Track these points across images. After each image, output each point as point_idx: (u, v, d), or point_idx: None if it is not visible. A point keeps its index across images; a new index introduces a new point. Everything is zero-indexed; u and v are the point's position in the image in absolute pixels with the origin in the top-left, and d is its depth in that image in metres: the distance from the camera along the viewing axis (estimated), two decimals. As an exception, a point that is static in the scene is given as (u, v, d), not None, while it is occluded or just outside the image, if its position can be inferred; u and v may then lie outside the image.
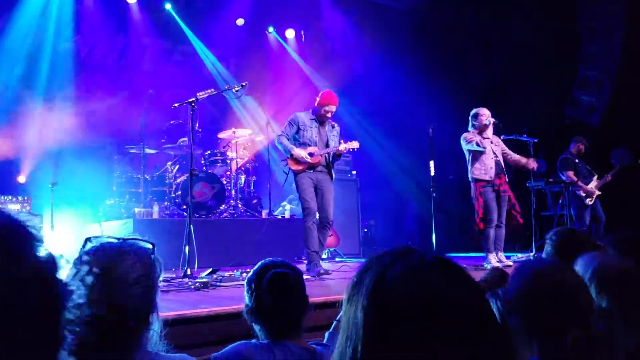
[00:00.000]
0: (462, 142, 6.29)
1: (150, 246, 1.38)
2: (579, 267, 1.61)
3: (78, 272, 1.25)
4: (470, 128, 6.30)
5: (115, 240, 1.35)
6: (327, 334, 2.13)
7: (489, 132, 6.19)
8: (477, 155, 6.21)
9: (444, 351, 0.70)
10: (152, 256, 1.36)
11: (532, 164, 6.29)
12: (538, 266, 1.44)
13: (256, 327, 1.81)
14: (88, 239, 1.34)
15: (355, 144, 5.80)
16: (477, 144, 6.10)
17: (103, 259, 1.28)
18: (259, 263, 1.88)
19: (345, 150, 5.78)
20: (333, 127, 5.84)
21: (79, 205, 7.36)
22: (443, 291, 0.74)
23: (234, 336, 3.01)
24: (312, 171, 5.57)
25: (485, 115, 6.17)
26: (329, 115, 5.68)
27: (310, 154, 5.51)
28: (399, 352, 0.71)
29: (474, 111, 6.29)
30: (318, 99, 5.66)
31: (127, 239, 1.36)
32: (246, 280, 1.85)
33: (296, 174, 5.55)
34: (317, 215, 5.55)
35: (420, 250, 0.82)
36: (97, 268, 1.25)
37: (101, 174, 7.66)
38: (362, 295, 0.77)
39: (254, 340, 1.76)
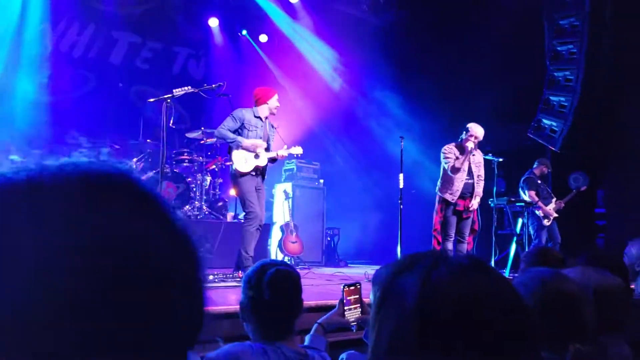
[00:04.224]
0: (441, 155, 6.33)
1: None
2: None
3: None
4: (459, 139, 6.31)
5: None
6: (307, 337, 2.15)
7: (476, 150, 6.22)
8: (448, 176, 6.23)
9: (499, 346, 0.72)
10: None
11: (474, 205, 6.32)
12: (544, 275, 1.42)
13: (249, 327, 1.81)
14: None
15: (299, 150, 5.73)
16: (452, 170, 6.10)
17: None
18: (258, 262, 1.88)
19: (286, 155, 5.69)
20: (273, 126, 5.70)
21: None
22: (490, 290, 0.76)
23: (207, 338, 3.00)
24: (254, 174, 5.37)
25: (475, 137, 6.14)
26: (275, 111, 5.55)
27: (256, 156, 5.35)
28: (455, 352, 0.71)
29: (468, 125, 6.28)
30: (257, 94, 5.50)
31: None
32: (244, 277, 1.84)
33: (240, 175, 5.30)
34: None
35: (452, 253, 0.84)
36: None
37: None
38: (407, 299, 0.76)
39: (247, 342, 1.76)
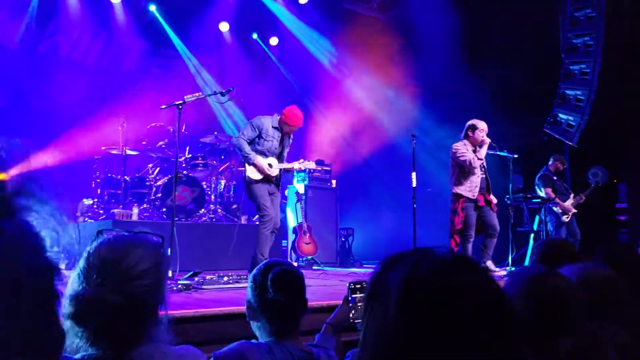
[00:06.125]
0: (452, 153, 6.26)
1: (160, 240, 1.39)
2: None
3: (89, 262, 1.25)
4: (462, 138, 6.29)
5: (126, 233, 1.36)
6: (317, 336, 2.14)
7: (483, 152, 6.18)
8: (465, 171, 6.18)
9: (481, 340, 0.72)
10: (161, 250, 1.36)
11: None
12: (533, 272, 1.44)
13: (255, 325, 1.82)
14: (100, 232, 1.35)
15: (312, 164, 6.00)
16: (470, 164, 6.08)
17: (114, 250, 1.28)
18: (263, 262, 1.90)
19: (303, 168, 5.92)
20: (289, 137, 5.85)
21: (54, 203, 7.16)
22: (472, 285, 0.77)
23: (220, 337, 3.00)
24: (266, 181, 5.60)
25: (484, 130, 6.17)
26: (291, 132, 5.73)
27: (270, 165, 5.55)
28: (439, 346, 0.72)
29: (472, 122, 6.26)
30: (285, 114, 5.60)
31: (138, 233, 1.36)
32: (250, 277, 1.87)
33: (252, 182, 5.54)
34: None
35: (437, 249, 0.84)
36: (108, 258, 1.25)
37: (80, 173, 7.53)
38: (392, 295, 0.77)
39: (253, 340, 1.76)
